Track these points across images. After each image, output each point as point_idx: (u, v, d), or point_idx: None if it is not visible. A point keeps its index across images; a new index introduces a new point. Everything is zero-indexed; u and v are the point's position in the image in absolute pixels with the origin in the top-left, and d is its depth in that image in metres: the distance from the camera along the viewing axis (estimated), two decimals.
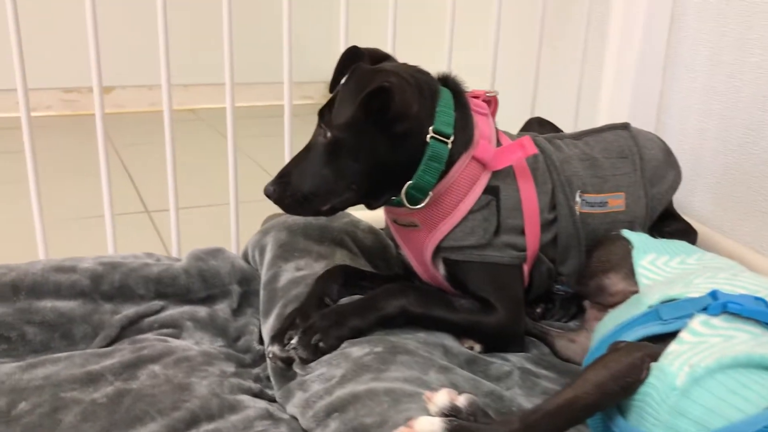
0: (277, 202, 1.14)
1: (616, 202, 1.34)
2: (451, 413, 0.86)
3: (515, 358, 1.16)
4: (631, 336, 0.93)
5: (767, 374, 0.79)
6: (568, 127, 1.85)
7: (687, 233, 1.43)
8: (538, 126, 1.67)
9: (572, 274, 1.31)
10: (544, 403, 0.83)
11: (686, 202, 1.76)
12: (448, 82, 1.22)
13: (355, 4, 1.70)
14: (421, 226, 1.18)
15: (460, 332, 1.17)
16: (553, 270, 1.30)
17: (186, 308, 1.26)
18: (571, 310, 1.37)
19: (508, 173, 1.22)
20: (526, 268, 1.24)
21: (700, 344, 0.85)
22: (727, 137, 1.66)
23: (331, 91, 1.17)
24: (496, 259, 1.18)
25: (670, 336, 0.90)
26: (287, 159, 1.64)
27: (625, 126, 1.44)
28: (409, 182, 1.14)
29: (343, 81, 1.11)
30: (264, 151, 3.09)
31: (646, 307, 1.00)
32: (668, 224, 1.43)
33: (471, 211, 1.17)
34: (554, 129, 1.66)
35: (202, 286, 1.30)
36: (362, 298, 1.14)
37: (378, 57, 1.21)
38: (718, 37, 1.66)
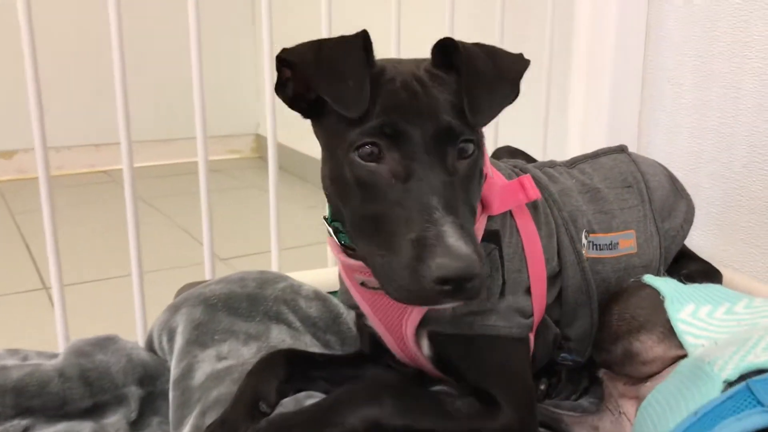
0: (481, 287, 0.69)
1: (627, 242, 1.05)
2: None
3: None
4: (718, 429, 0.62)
5: None
6: (536, 157, 1.58)
7: (711, 275, 1.15)
8: (508, 156, 1.38)
9: (582, 338, 1.01)
10: None
11: None
12: None
13: None
14: None
15: None
16: (559, 335, 0.99)
17: (61, 426, 0.89)
18: (581, 384, 1.06)
19: (505, 214, 0.92)
20: (531, 337, 0.93)
21: None
22: (728, 158, 1.41)
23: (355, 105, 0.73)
24: (503, 331, 0.86)
25: None
26: (205, 219, 1.32)
27: (622, 149, 1.17)
28: None
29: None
30: (185, 212, 2.74)
31: (721, 383, 0.71)
32: (685, 266, 1.15)
33: None
34: (528, 159, 1.38)
35: (86, 391, 0.93)
36: (314, 406, 0.79)
37: None
38: (708, 43, 1.42)
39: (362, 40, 0.76)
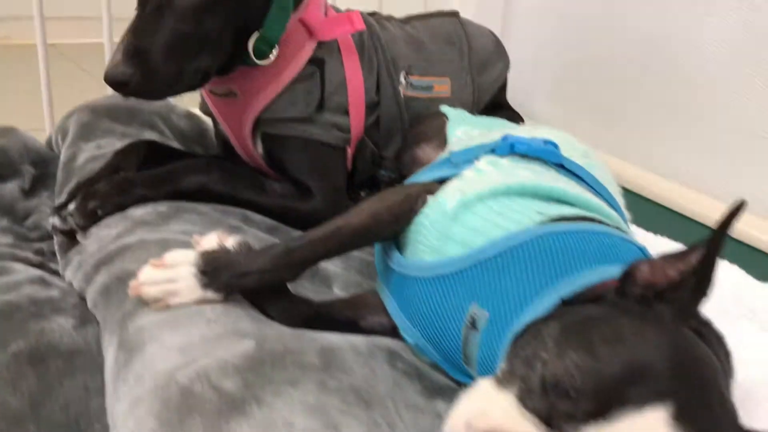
0: (138, 91, 0.93)
1: (442, 87, 1.31)
2: None
3: None
4: (423, 178, 0.90)
5: (539, 201, 0.78)
6: None
7: (513, 120, 1.43)
8: None
9: (396, 158, 1.28)
10: (314, 228, 0.79)
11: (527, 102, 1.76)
12: None
13: None
14: (240, 95, 1.09)
15: (271, 218, 1.09)
16: (376, 154, 1.26)
17: None
18: None
19: (333, 48, 1.14)
20: (349, 151, 1.18)
21: (480, 179, 0.82)
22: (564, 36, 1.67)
23: None
24: (319, 137, 1.11)
25: None
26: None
27: (454, 14, 1.42)
28: (258, 33, 1.03)
29: None
30: None
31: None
32: (496, 113, 1.42)
33: (294, 81, 1.09)
34: None
35: None
36: (157, 170, 1.04)
37: None
38: None
39: None
